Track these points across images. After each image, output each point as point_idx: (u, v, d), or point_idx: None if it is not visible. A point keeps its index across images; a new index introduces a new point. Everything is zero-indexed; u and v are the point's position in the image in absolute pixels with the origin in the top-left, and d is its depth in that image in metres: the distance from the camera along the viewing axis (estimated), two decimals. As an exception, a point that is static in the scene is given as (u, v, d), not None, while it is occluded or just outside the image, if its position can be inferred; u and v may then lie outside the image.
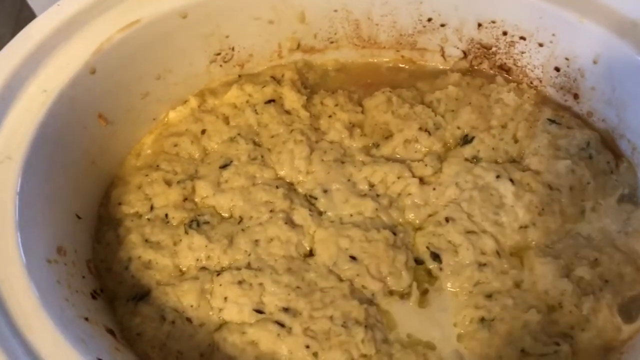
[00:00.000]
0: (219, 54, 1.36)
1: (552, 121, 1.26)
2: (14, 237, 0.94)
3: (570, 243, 1.14)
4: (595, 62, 1.23)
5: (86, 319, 0.97)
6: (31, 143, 1.03)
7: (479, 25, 1.34)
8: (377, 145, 1.29)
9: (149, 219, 1.19)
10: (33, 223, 0.99)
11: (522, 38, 1.32)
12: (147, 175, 1.24)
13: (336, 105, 1.34)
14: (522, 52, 1.34)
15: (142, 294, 1.10)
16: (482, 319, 1.06)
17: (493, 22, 1.32)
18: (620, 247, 1.13)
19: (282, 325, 1.05)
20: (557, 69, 1.31)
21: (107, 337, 1.00)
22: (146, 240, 1.16)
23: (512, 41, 1.34)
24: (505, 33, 1.33)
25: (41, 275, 0.94)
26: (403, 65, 1.45)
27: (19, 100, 1.07)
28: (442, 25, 1.37)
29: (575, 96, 1.31)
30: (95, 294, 1.09)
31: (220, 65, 1.38)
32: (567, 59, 1.28)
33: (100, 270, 1.15)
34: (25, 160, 1.01)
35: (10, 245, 0.93)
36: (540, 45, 1.30)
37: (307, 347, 1.03)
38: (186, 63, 1.33)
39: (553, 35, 1.27)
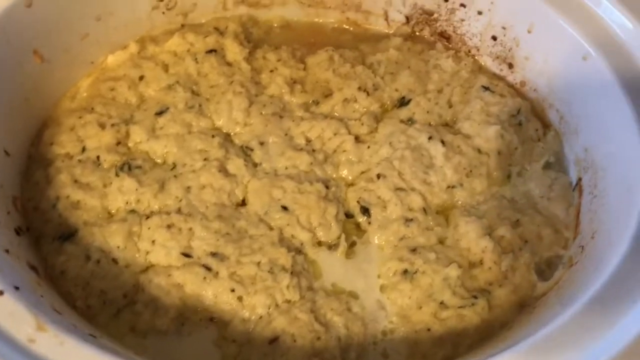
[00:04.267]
0: (162, 0, 1.34)
1: (486, 88, 1.29)
2: None
3: (494, 204, 1.17)
4: (529, 32, 1.27)
5: (7, 251, 0.96)
6: (-43, 70, 1.01)
7: (422, -11, 1.37)
8: (316, 103, 1.31)
9: (79, 160, 1.18)
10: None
11: (463, 5, 1.35)
12: (80, 117, 1.22)
13: (278, 60, 1.35)
14: (462, 20, 1.37)
15: (69, 234, 1.09)
16: (405, 271, 1.09)
17: (435, -13, 1.36)
18: (542, 211, 1.18)
19: (208, 269, 1.06)
20: (494, 38, 1.34)
21: (29, 272, 0.98)
22: (75, 181, 1.15)
23: (453, 8, 1.37)
24: (446, -1, 1.37)
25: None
26: (347, 27, 1.47)
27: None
28: (387, -12, 1.40)
29: (510, 65, 1.35)
30: (20, 230, 1.07)
31: (163, 13, 1.37)
32: (503, 27, 1.32)
33: (27, 208, 1.13)
34: (-50, 87, 0.99)
35: None
36: (479, 13, 1.34)
37: (232, 290, 1.04)
38: (128, 7, 1.31)
39: (491, 3, 1.30)
